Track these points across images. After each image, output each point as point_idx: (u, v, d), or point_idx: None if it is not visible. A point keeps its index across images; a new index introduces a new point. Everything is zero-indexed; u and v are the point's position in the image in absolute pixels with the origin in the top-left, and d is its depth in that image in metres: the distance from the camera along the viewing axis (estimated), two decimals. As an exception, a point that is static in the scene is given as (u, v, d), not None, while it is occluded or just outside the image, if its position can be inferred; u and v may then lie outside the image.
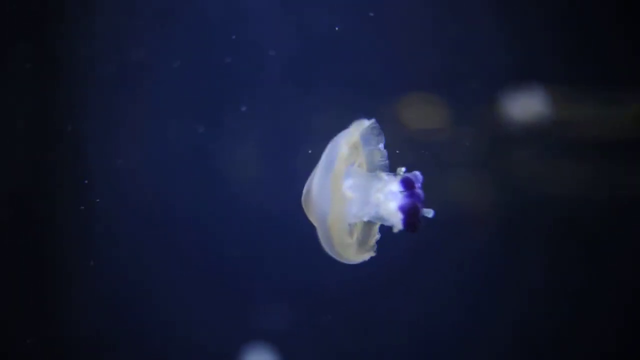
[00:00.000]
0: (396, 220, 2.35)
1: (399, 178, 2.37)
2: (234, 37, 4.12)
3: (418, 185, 2.32)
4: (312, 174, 2.55)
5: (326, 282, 3.96)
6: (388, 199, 2.36)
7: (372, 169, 2.55)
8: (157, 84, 4.13)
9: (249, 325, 4.19)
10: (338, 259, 2.57)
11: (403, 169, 2.47)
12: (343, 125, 4.06)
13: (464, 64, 4.22)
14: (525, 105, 4.17)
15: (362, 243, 2.62)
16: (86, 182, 4.14)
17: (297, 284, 4.10)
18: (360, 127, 2.42)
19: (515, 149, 4.31)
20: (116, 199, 4.10)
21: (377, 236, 2.64)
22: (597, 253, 4.34)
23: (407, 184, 2.30)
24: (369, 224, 2.57)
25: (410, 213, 2.29)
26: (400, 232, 2.54)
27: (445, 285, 4.23)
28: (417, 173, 2.39)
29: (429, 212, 2.40)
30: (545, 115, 4.19)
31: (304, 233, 2.76)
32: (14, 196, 4.05)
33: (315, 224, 2.46)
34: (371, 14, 4.18)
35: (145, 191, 4.10)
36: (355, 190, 2.47)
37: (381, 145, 2.60)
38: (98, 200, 4.10)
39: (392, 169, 2.63)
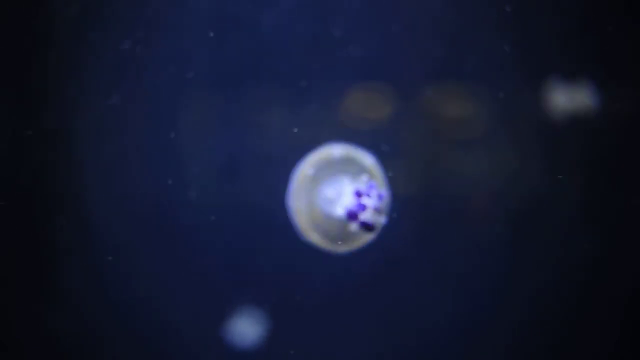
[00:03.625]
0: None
1: (354, 187, 2.89)
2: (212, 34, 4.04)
3: (367, 193, 2.83)
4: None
5: (322, 275, 4.06)
6: (344, 204, 2.90)
7: (370, 176, 3.09)
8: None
9: (242, 321, 4.24)
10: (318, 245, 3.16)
11: (365, 177, 2.97)
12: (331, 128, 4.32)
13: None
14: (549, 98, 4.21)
15: (336, 236, 3.16)
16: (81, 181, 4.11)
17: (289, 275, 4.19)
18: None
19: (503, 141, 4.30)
20: (108, 199, 4.16)
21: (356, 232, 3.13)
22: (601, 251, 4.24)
23: (357, 193, 2.82)
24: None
25: (351, 218, 2.81)
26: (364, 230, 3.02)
27: (441, 282, 4.32)
28: (372, 183, 2.89)
29: (381, 218, 2.90)
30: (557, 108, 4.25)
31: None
32: (10, 198, 4.05)
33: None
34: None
35: (138, 189, 4.16)
36: (334, 195, 3.03)
37: (371, 160, 3.14)
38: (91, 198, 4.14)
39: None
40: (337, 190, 3.01)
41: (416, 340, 4.32)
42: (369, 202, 2.81)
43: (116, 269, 4.14)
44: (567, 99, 4.22)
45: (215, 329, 4.21)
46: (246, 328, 4.22)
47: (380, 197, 2.86)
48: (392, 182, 3.60)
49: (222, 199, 4.15)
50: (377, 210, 2.86)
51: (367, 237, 3.06)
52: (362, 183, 2.92)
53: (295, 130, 4.07)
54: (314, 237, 3.15)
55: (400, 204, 4.00)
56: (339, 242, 3.11)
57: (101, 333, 4.15)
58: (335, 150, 3.15)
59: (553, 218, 4.28)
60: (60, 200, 4.11)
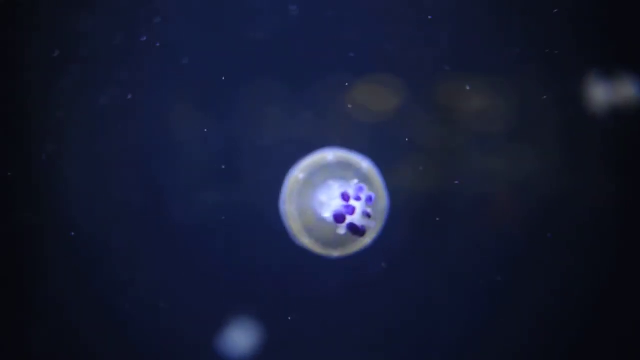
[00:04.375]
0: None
1: (342, 191, 2.88)
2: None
3: (356, 196, 2.82)
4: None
5: (322, 278, 4.06)
6: (332, 207, 2.89)
7: (361, 179, 3.08)
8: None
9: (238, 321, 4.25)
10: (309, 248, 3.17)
11: (356, 181, 2.96)
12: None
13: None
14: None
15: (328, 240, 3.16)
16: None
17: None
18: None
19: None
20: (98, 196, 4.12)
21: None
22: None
23: (344, 197, 2.80)
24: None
25: (337, 220, 2.80)
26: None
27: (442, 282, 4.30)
28: (361, 186, 2.87)
29: (371, 222, 2.89)
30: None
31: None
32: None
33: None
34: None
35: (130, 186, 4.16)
36: (325, 199, 3.02)
37: (364, 166, 3.12)
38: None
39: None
40: (329, 194, 3.00)
41: (417, 341, 4.32)
42: (358, 205, 2.80)
43: (111, 272, 4.14)
44: (602, 95, 4.16)
45: (213, 331, 4.22)
46: (244, 330, 4.22)
47: (369, 199, 2.84)
48: (399, 179, 3.59)
49: (222, 200, 4.15)
50: (366, 214, 2.84)
51: (359, 241, 3.05)
52: (351, 186, 2.90)
53: (298, 129, 4.09)
54: (306, 241, 3.14)
55: (404, 202, 4.05)
56: (333, 247, 3.12)
57: (94, 340, 4.14)
58: (331, 153, 3.15)
59: (570, 219, 4.24)
60: (51, 200, 4.09)
